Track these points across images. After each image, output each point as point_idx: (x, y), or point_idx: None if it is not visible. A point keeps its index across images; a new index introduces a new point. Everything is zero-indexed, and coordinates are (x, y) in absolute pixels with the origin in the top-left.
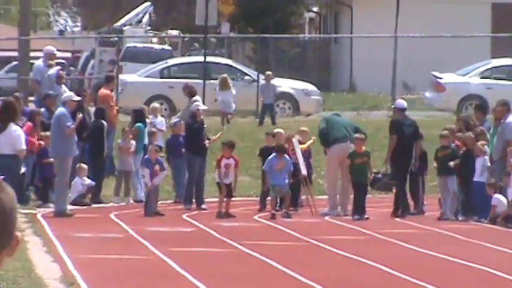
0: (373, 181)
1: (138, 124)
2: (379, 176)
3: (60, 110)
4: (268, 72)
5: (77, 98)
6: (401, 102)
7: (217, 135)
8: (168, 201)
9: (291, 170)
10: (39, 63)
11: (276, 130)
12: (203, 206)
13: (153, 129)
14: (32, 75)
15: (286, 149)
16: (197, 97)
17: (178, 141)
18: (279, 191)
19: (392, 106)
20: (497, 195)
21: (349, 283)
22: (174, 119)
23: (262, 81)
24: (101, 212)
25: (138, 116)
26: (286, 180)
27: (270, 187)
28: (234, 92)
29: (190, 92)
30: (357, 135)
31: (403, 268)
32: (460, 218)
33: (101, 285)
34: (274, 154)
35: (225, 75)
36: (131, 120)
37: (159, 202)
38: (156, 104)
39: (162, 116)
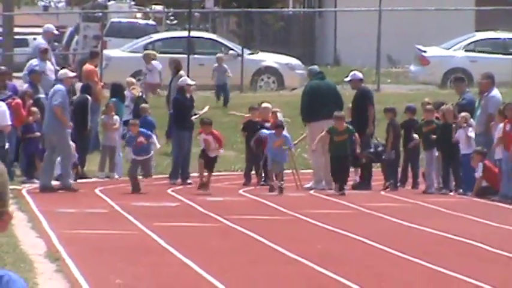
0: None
1: (112, 99)
2: (379, 149)
3: (58, 87)
4: (219, 55)
5: (73, 74)
6: (358, 74)
7: (205, 109)
8: (154, 176)
9: (291, 147)
10: (39, 40)
11: (263, 104)
12: (188, 181)
13: (144, 105)
14: (32, 51)
15: (283, 125)
16: (182, 72)
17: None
18: (277, 166)
19: (349, 79)
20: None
21: (334, 257)
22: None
23: (246, 56)
24: (86, 188)
25: (115, 90)
26: (285, 156)
27: (269, 161)
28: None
29: (176, 67)
30: (336, 113)
31: (388, 242)
32: (443, 191)
33: (86, 260)
34: (273, 132)
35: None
36: (110, 95)
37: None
38: (131, 78)
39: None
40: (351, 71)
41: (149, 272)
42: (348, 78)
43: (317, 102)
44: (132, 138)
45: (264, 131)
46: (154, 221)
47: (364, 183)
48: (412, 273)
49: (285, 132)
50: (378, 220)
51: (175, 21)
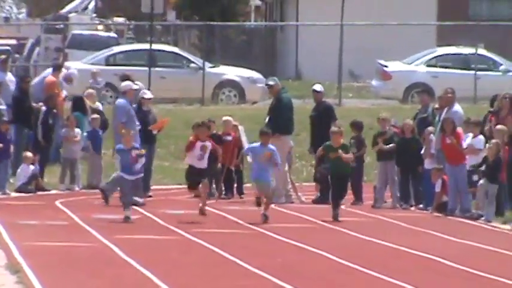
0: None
1: (76, 113)
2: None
3: (120, 101)
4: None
5: (136, 87)
6: (320, 86)
7: (163, 121)
8: None
9: (277, 164)
10: None
11: (224, 118)
12: (149, 194)
13: (94, 116)
14: None
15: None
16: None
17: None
18: (263, 188)
19: (319, 90)
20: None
21: (295, 270)
22: None
23: (208, 69)
24: (46, 200)
25: (76, 103)
26: (271, 177)
27: (253, 181)
28: None
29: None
30: (334, 128)
31: (348, 256)
32: (403, 206)
33: (47, 272)
34: (259, 143)
35: None
36: (71, 108)
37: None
38: (90, 90)
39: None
40: (314, 84)
41: (109, 284)
42: (318, 88)
43: (291, 116)
44: (124, 152)
45: (251, 145)
46: (114, 234)
47: (324, 197)
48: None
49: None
50: (338, 234)
51: (131, 35)
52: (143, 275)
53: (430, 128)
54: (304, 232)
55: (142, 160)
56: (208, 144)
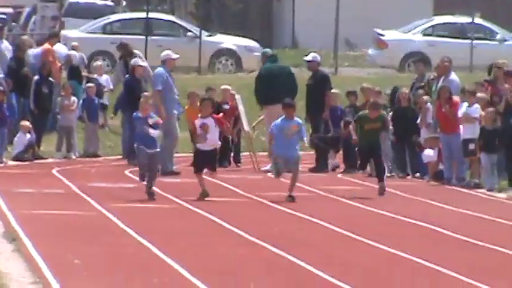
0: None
1: (71, 81)
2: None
3: (158, 70)
4: None
5: (176, 56)
6: (318, 57)
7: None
8: (111, 157)
9: (304, 138)
10: None
11: (222, 86)
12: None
13: (90, 84)
14: None
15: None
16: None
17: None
18: (290, 164)
19: (309, 59)
20: (425, 152)
21: (292, 239)
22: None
23: (204, 38)
24: (43, 168)
25: (72, 72)
26: (299, 151)
27: (274, 158)
28: None
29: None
30: (372, 100)
31: (346, 225)
32: (400, 175)
33: (44, 240)
34: (282, 116)
35: None
36: (67, 76)
37: (103, 158)
38: (98, 62)
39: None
40: (310, 52)
41: (107, 252)
42: (309, 58)
43: (271, 86)
44: (140, 119)
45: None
46: (111, 202)
47: (320, 166)
48: (370, 256)
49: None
50: (335, 203)
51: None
52: (140, 243)
53: (426, 97)
54: (301, 201)
55: (156, 133)
56: (210, 121)
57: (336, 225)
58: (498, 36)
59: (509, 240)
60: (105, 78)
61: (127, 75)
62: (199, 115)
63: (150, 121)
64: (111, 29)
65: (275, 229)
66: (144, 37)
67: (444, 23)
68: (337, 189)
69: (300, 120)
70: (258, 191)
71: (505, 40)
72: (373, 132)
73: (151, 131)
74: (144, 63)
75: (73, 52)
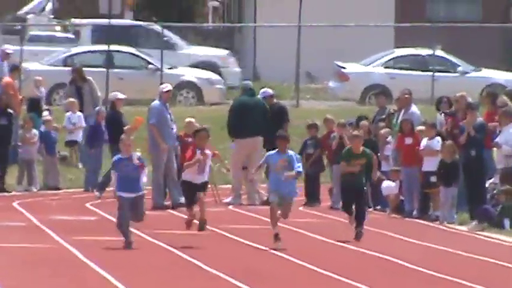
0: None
1: (30, 114)
2: None
3: (154, 103)
4: None
5: (169, 88)
6: (268, 90)
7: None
8: (71, 190)
9: (299, 172)
10: None
11: (187, 119)
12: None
13: (47, 117)
14: None
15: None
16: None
17: (100, 129)
18: (283, 201)
19: (261, 97)
20: (385, 184)
21: (255, 273)
22: (97, 108)
23: (166, 70)
24: (4, 201)
25: (32, 104)
26: (295, 187)
27: (269, 194)
28: None
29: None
30: (355, 133)
31: (308, 258)
32: None
33: (6, 273)
34: (275, 150)
35: None
36: (27, 109)
37: (63, 190)
38: (72, 99)
39: (79, 110)
40: (262, 87)
41: (69, 286)
42: (259, 96)
43: (243, 119)
44: (122, 161)
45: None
46: (73, 235)
47: None
48: None
49: (290, 152)
50: (297, 236)
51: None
52: (103, 277)
53: (385, 130)
54: (262, 233)
55: (145, 172)
56: (209, 152)
57: (298, 258)
58: (459, 69)
59: (469, 273)
60: (78, 115)
61: (108, 109)
62: (196, 147)
63: (135, 160)
64: (71, 61)
65: (238, 263)
66: (105, 70)
67: (405, 55)
68: (298, 222)
69: (291, 153)
70: (220, 224)
71: (466, 73)
72: (358, 173)
73: (141, 176)
74: (121, 96)
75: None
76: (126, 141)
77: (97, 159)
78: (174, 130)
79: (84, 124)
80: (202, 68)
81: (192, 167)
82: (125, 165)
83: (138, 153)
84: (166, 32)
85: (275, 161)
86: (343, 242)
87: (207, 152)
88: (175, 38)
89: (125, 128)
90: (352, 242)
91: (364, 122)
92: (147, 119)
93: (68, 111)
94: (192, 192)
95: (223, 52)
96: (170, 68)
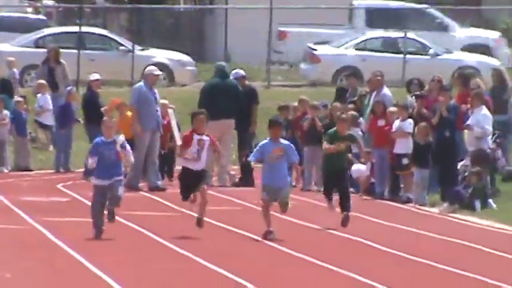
0: None
1: (1, 95)
2: None
3: (138, 84)
4: None
5: (159, 73)
6: (240, 71)
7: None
8: (42, 171)
9: (294, 162)
10: None
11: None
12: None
13: (19, 98)
14: None
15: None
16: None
17: (70, 109)
18: (276, 194)
19: (232, 78)
20: (355, 166)
21: (225, 253)
22: (68, 88)
23: (137, 52)
24: None
25: (4, 86)
26: (289, 178)
27: (261, 188)
28: None
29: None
30: (343, 115)
31: (277, 239)
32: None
33: None
34: (268, 138)
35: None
36: None
37: (35, 172)
38: (42, 81)
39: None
40: (234, 68)
41: (39, 267)
42: (231, 77)
43: (213, 101)
44: (105, 144)
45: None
46: (44, 216)
47: (246, 179)
48: (302, 270)
49: (283, 140)
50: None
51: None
52: (73, 257)
53: (352, 113)
54: (233, 215)
55: (130, 159)
56: (206, 138)
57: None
58: (430, 51)
59: (440, 255)
60: (45, 97)
61: (85, 91)
62: (194, 131)
63: (118, 145)
64: (43, 43)
65: (210, 244)
66: (76, 51)
67: (376, 38)
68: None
69: (286, 142)
70: (190, 205)
71: (437, 55)
72: (340, 153)
73: (127, 155)
74: (97, 77)
75: None
76: (108, 123)
77: (67, 139)
78: (169, 112)
79: (50, 107)
80: (472, 51)
81: (187, 157)
82: (106, 149)
83: (122, 138)
84: (439, 14)
85: (269, 151)
86: (312, 223)
87: (205, 137)
88: (448, 20)
89: (102, 109)
90: (336, 226)
91: (335, 104)
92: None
93: (38, 93)
94: (188, 179)
95: (496, 34)
96: (142, 50)
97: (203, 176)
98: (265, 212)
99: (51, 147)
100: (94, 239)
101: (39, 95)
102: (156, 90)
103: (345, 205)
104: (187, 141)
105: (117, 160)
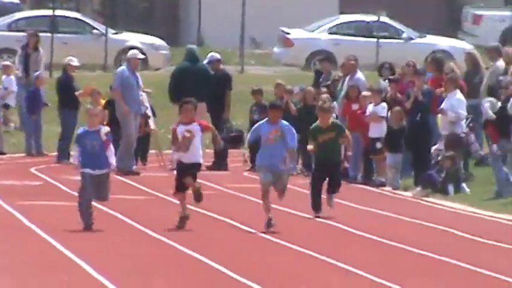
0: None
1: None
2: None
3: (120, 68)
4: None
5: (141, 56)
6: (215, 55)
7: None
8: (16, 155)
9: (291, 147)
10: None
11: None
12: (70, 160)
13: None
14: None
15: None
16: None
17: (39, 94)
18: (275, 177)
19: (207, 61)
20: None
21: (199, 237)
22: (36, 73)
23: (110, 35)
24: None
25: None
26: (282, 164)
27: (257, 170)
28: None
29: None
30: (321, 104)
31: (251, 222)
32: (305, 173)
33: None
34: (264, 119)
35: None
36: None
37: (7, 155)
38: (8, 63)
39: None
40: (209, 52)
41: (13, 250)
42: (206, 61)
43: (182, 84)
44: (89, 134)
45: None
46: (17, 200)
47: (219, 163)
48: (277, 255)
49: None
50: (241, 201)
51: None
52: (47, 241)
53: (326, 96)
54: (207, 198)
55: (111, 149)
56: (195, 127)
57: (242, 223)
58: (404, 35)
59: (413, 238)
60: (10, 79)
61: (61, 74)
62: (180, 122)
63: (103, 134)
64: (16, 26)
65: (183, 228)
66: (49, 34)
67: (350, 22)
68: (243, 187)
69: (285, 123)
70: (165, 189)
71: (411, 39)
72: (329, 144)
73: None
74: (76, 63)
75: None
76: (92, 112)
77: (37, 123)
78: (142, 97)
79: (15, 89)
80: None
81: (178, 147)
82: (90, 139)
83: (107, 128)
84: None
85: (266, 132)
86: (286, 207)
87: (193, 126)
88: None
89: (76, 93)
90: (287, 199)
91: (309, 88)
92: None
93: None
94: (180, 173)
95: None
96: (115, 34)
97: (193, 169)
98: (265, 196)
99: (12, 126)
100: (84, 229)
101: (3, 77)
102: (138, 74)
103: (333, 189)
104: (173, 134)
105: (103, 150)
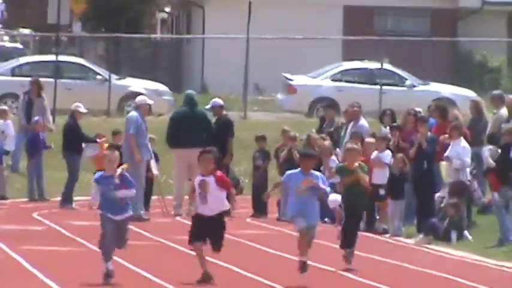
0: None
1: None
2: None
3: (131, 114)
4: None
5: (151, 102)
6: (218, 100)
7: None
8: (18, 200)
9: (324, 191)
10: None
11: None
12: (73, 205)
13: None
14: None
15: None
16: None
17: (38, 138)
18: (307, 230)
19: (210, 106)
20: (332, 197)
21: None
22: (35, 118)
23: (114, 81)
24: None
25: None
26: (317, 212)
27: (290, 220)
28: None
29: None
30: (348, 145)
31: (259, 271)
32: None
33: None
34: (298, 169)
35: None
36: None
37: (10, 200)
38: (4, 107)
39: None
40: (212, 98)
41: None
42: (209, 106)
43: (180, 129)
44: (108, 180)
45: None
46: (19, 244)
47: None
48: None
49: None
50: (243, 247)
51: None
52: (48, 286)
53: (328, 142)
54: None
55: (131, 192)
56: (209, 179)
57: (245, 269)
58: (407, 82)
59: (415, 285)
60: (7, 123)
61: (68, 119)
62: (200, 172)
63: (116, 178)
64: (20, 71)
65: (184, 273)
66: (53, 80)
67: (353, 69)
68: (246, 234)
69: (317, 173)
70: (168, 235)
71: (414, 86)
72: (356, 187)
73: (124, 193)
74: (84, 110)
75: None
76: (110, 157)
77: (38, 168)
78: (149, 144)
79: (12, 132)
80: None
81: (194, 197)
82: (108, 184)
83: (123, 167)
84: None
85: (297, 182)
86: (288, 253)
87: (208, 178)
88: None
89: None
90: (288, 246)
91: (313, 135)
92: (125, 129)
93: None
94: (198, 225)
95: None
96: (118, 79)
97: (218, 225)
98: (303, 242)
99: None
100: (104, 279)
101: (1, 122)
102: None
103: (350, 242)
104: (191, 185)
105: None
